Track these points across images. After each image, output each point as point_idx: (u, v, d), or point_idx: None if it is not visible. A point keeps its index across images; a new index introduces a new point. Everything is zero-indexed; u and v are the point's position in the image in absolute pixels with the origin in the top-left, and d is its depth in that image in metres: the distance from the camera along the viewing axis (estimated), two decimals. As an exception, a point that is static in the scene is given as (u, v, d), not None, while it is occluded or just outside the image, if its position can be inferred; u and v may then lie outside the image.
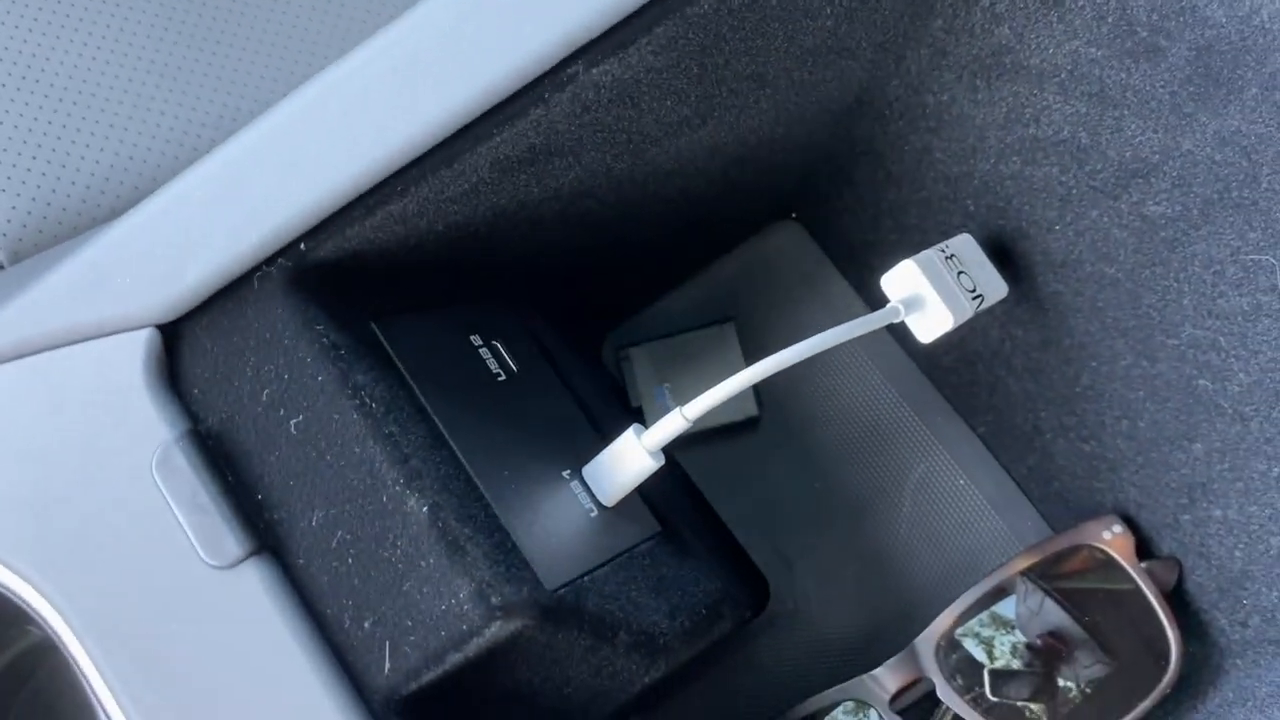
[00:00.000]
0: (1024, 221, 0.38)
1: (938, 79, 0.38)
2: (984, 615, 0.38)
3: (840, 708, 0.38)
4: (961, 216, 0.40)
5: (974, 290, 0.36)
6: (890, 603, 0.41)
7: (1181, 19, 0.30)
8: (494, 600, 0.25)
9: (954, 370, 0.42)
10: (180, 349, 0.26)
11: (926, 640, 0.38)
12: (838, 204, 0.43)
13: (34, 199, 0.48)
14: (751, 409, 0.43)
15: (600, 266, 0.38)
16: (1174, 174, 0.33)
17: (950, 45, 0.37)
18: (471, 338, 0.31)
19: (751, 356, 0.43)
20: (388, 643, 0.25)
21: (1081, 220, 0.36)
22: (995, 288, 0.37)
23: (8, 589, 0.26)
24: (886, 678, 0.38)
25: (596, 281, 0.39)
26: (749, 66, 0.32)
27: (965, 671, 0.37)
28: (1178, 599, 0.39)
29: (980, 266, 0.37)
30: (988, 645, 0.39)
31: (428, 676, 0.25)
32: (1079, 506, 0.41)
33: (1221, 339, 0.34)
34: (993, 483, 0.42)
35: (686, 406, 0.30)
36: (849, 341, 0.42)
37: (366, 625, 0.25)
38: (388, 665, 0.25)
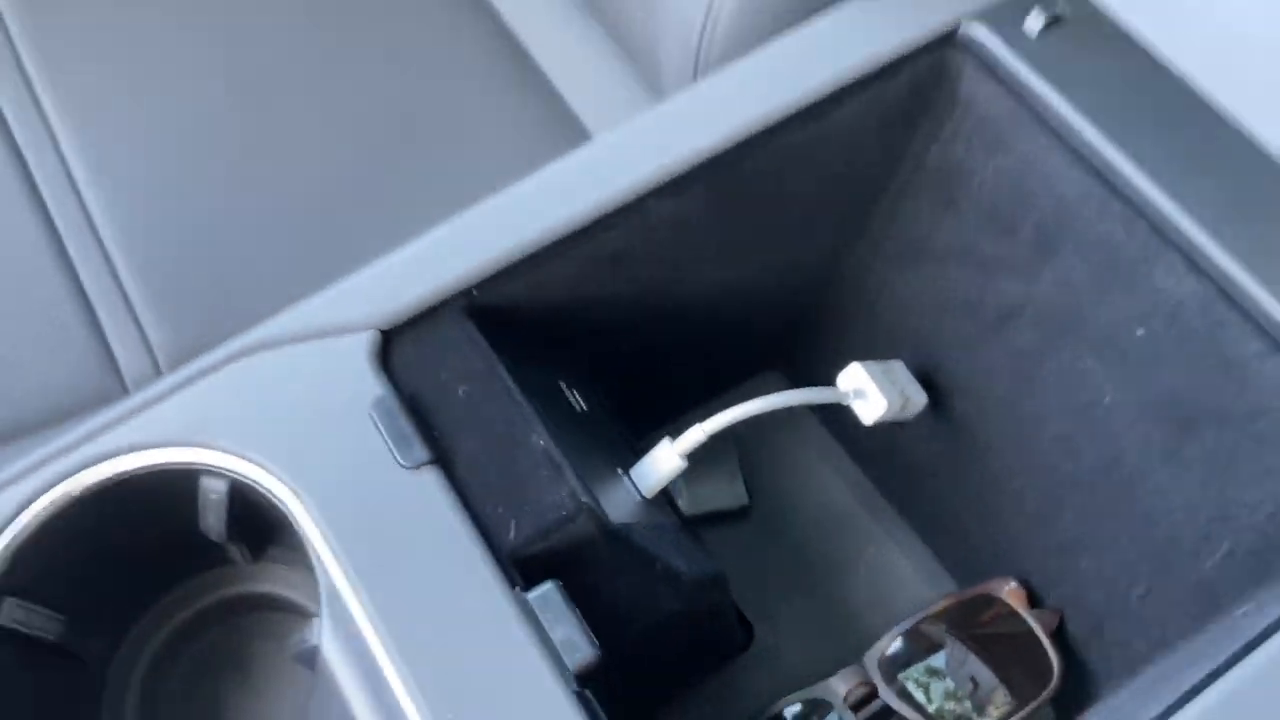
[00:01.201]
0: (939, 358, 0.53)
1: (875, 263, 0.55)
2: (914, 647, 0.51)
3: (803, 705, 0.50)
4: (896, 356, 0.56)
5: (904, 394, 0.51)
6: (849, 645, 0.53)
7: (1025, 205, 0.47)
8: (583, 500, 0.38)
9: (893, 476, 0.57)
10: (393, 345, 0.41)
11: (871, 655, 0.50)
12: (810, 355, 0.59)
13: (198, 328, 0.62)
14: (743, 498, 0.57)
15: (633, 375, 0.53)
16: (1032, 313, 0.49)
17: (882, 240, 0.54)
18: (560, 382, 0.46)
19: (746, 468, 0.58)
20: (513, 520, 0.38)
21: (975, 355, 0.52)
22: (919, 398, 0.52)
23: (263, 486, 0.39)
24: (839, 683, 0.49)
25: (627, 389, 0.54)
26: (752, 229, 0.49)
27: (897, 672, 0.49)
28: (1061, 642, 0.51)
29: (909, 382, 0.52)
30: (922, 685, 0.51)
31: (537, 545, 0.38)
32: (987, 577, 0.54)
33: (1073, 429, 0.49)
34: (924, 562, 0.56)
35: (705, 422, 0.44)
36: (818, 456, 0.57)
37: (500, 509, 0.38)
38: (512, 534, 0.38)
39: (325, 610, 0.38)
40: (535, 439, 0.40)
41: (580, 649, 0.36)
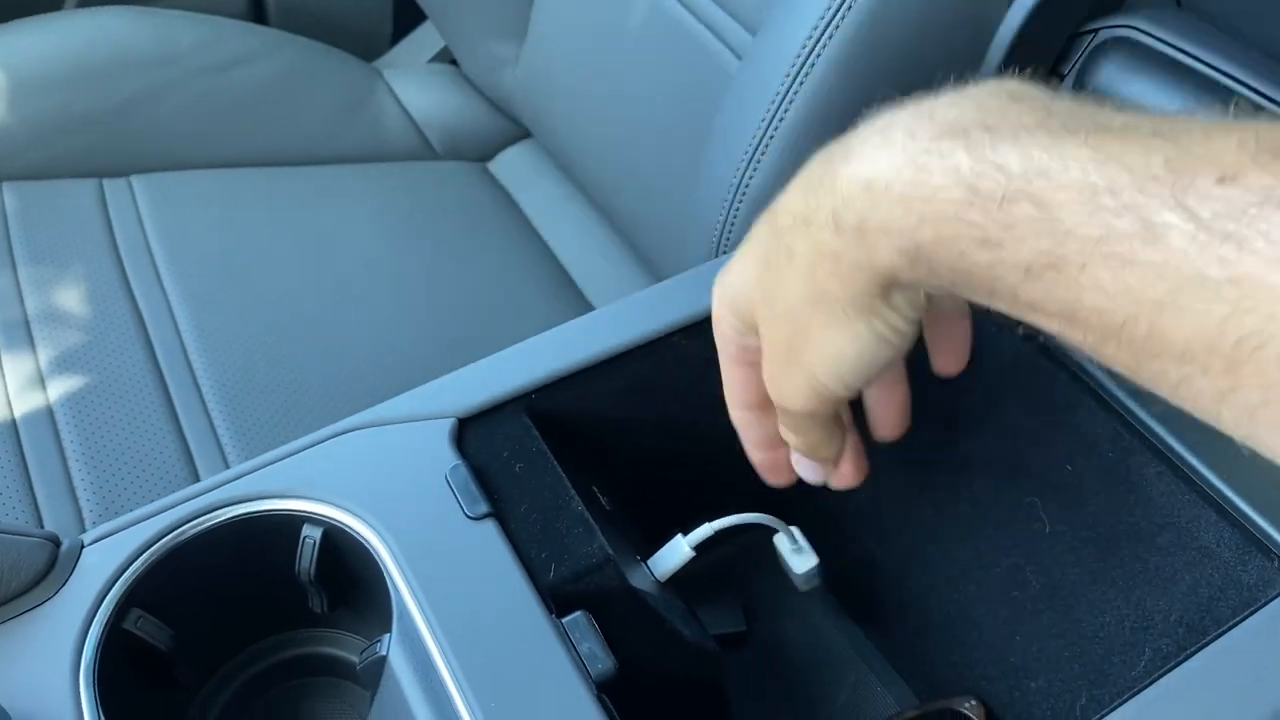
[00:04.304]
0: (912, 507, 0.63)
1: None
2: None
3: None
4: (877, 508, 0.65)
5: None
6: (827, 755, 0.60)
7: (975, 368, 0.58)
8: (610, 554, 0.48)
9: (872, 611, 0.65)
10: (467, 429, 0.52)
11: (847, 753, 0.56)
12: (808, 508, 0.68)
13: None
14: (741, 624, 0.65)
15: (652, 489, 0.62)
16: (984, 461, 0.59)
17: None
18: (592, 485, 0.56)
19: (746, 602, 0.66)
20: (553, 564, 0.47)
21: (941, 503, 0.62)
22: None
23: (353, 530, 0.49)
24: (818, 776, 0.56)
25: (645, 499, 0.63)
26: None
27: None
28: (1017, 756, 0.57)
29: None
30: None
31: (570, 586, 0.47)
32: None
33: (1021, 560, 0.58)
34: (897, 688, 0.63)
35: (714, 521, 0.54)
36: (798, 594, 0.65)
37: (543, 555, 0.48)
38: (551, 574, 0.47)
39: (395, 626, 0.46)
40: (574, 506, 0.49)
41: (601, 661, 0.44)
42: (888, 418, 0.50)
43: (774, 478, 0.51)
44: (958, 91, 0.34)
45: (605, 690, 0.44)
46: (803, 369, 0.40)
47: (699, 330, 0.56)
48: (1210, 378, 0.28)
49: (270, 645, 0.54)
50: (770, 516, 0.56)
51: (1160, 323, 0.28)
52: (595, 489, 0.56)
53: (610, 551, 0.48)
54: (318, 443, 0.52)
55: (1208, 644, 0.45)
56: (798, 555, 0.57)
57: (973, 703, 0.59)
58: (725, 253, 0.67)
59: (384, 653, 0.46)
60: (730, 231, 0.66)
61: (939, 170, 0.32)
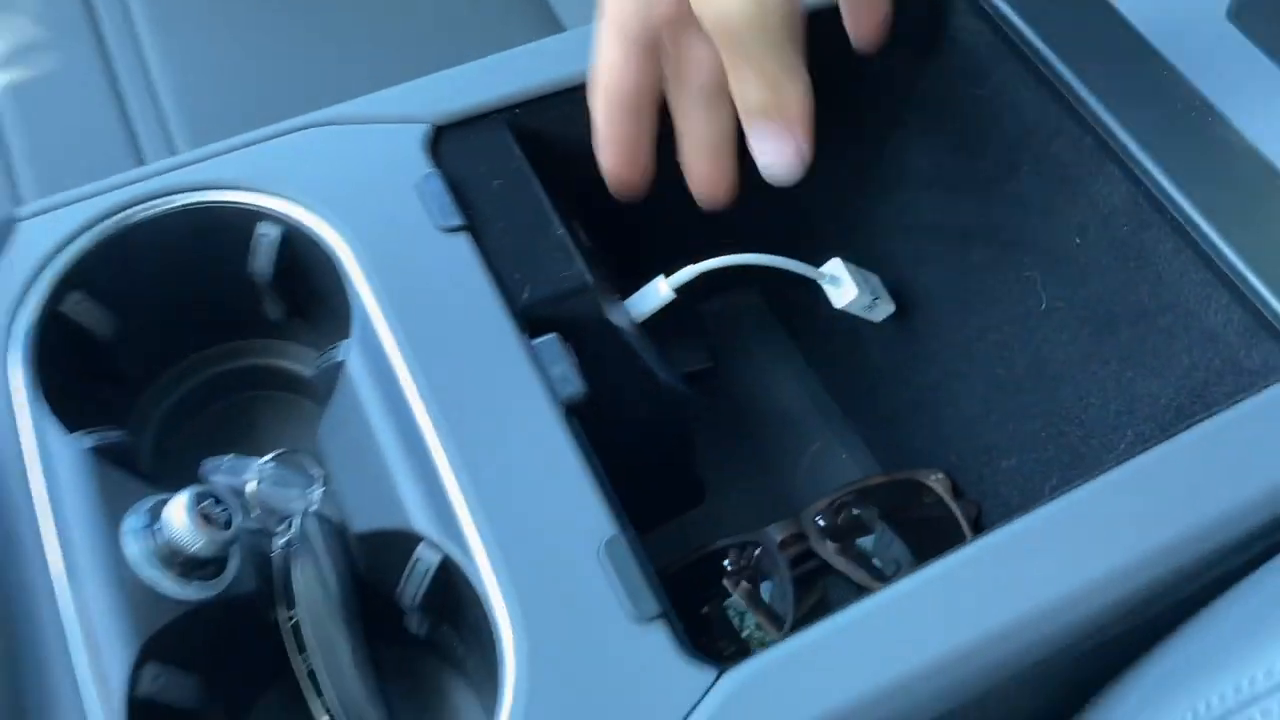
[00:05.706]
0: (904, 275, 0.60)
1: (858, 190, 0.62)
2: (847, 514, 0.56)
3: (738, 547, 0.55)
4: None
5: (874, 295, 0.57)
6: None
7: (993, 129, 0.54)
8: (589, 280, 0.45)
9: (844, 380, 0.63)
10: (443, 138, 0.48)
11: (808, 513, 0.56)
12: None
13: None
14: (707, 362, 0.62)
15: (634, 231, 0.58)
16: (986, 231, 0.56)
17: (867, 166, 0.61)
18: (573, 222, 0.52)
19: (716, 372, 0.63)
20: (528, 285, 0.44)
21: (935, 272, 0.59)
22: (887, 305, 0.59)
23: (313, 231, 0.45)
24: (775, 531, 0.55)
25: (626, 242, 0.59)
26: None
27: (831, 534, 0.55)
28: (977, 532, 0.57)
29: (881, 289, 0.59)
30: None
31: (546, 309, 0.44)
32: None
33: (1010, 336, 0.56)
34: (863, 459, 0.62)
35: (699, 264, 0.50)
36: (782, 360, 0.63)
37: (517, 275, 0.44)
38: (526, 294, 0.44)
39: (355, 333, 0.43)
40: (554, 228, 0.46)
41: (572, 383, 0.42)
42: (866, 15, 0.46)
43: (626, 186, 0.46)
44: None
45: (574, 412, 0.42)
46: None
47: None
48: None
49: (221, 352, 0.51)
50: (763, 255, 0.53)
51: None
52: (574, 224, 0.53)
53: (589, 278, 0.45)
54: (279, 135, 0.47)
55: (1195, 424, 0.43)
56: (834, 288, 0.56)
57: (940, 476, 0.58)
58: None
59: (341, 358, 0.43)
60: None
61: None
